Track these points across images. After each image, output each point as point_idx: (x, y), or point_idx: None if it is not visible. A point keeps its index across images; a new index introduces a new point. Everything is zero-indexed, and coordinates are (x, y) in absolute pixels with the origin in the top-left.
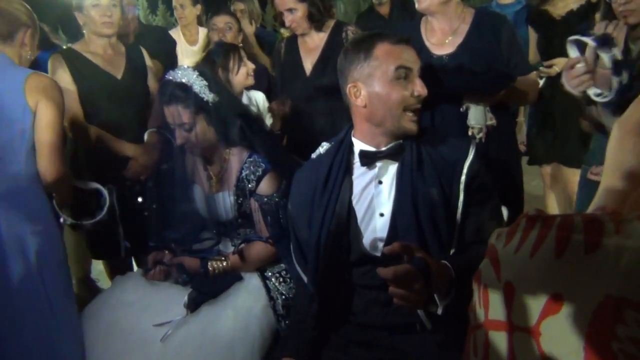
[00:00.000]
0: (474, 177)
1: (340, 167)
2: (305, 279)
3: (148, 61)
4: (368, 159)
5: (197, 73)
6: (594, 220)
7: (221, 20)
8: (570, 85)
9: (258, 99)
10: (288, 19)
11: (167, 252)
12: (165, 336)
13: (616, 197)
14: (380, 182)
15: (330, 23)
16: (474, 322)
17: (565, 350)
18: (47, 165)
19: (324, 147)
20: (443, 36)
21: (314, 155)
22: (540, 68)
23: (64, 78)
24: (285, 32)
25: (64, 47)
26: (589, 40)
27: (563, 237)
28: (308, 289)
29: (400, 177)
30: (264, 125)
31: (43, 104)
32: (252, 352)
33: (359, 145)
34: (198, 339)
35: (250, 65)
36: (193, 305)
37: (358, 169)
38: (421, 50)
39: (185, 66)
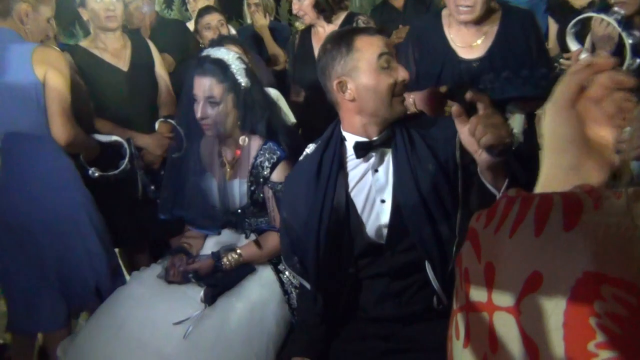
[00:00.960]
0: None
1: (333, 162)
2: (307, 284)
3: (155, 53)
4: (363, 150)
5: (237, 55)
6: (573, 197)
7: (214, 18)
8: None
9: (272, 96)
10: (295, 6)
11: (184, 256)
12: (187, 333)
13: (562, 170)
14: (376, 171)
15: (343, 14)
16: (456, 305)
17: (546, 327)
18: (59, 130)
19: (310, 148)
20: (471, 38)
21: (301, 158)
22: (560, 60)
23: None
24: (300, 25)
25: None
26: (591, 13)
27: (542, 215)
28: (308, 288)
29: (396, 160)
30: (283, 117)
31: (50, 75)
32: (267, 345)
33: (351, 139)
34: (214, 333)
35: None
36: (210, 300)
37: (352, 161)
38: (446, 53)
39: (224, 48)
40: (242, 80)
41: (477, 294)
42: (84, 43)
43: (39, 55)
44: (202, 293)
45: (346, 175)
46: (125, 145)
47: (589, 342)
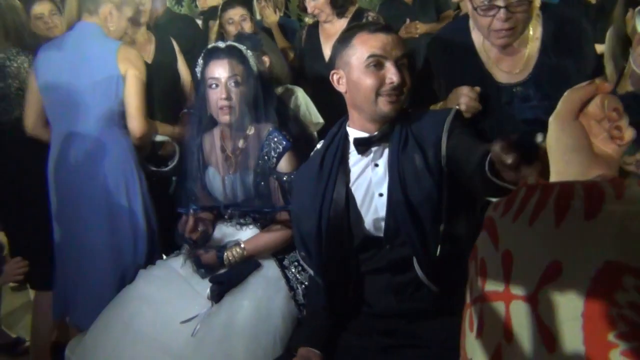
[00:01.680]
0: (455, 140)
1: (335, 156)
2: (311, 272)
3: (177, 49)
4: (362, 146)
5: (251, 52)
6: (595, 186)
7: (237, 13)
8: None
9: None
10: (311, 5)
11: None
12: (196, 331)
13: (568, 179)
14: (376, 165)
15: (352, 9)
16: (469, 298)
17: (564, 317)
18: (138, 123)
19: (320, 143)
20: (511, 62)
21: (312, 153)
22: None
23: None
24: (309, 20)
25: None
26: None
27: (563, 204)
28: (316, 281)
29: (390, 155)
30: (288, 110)
31: (132, 72)
32: (274, 341)
33: (353, 134)
34: (222, 330)
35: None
36: (217, 297)
37: (354, 156)
38: (481, 77)
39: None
40: (256, 71)
41: (494, 284)
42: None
43: (123, 53)
44: (208, 290)
45: (347, 169)
46: (177, 147)
47: (609, 333)
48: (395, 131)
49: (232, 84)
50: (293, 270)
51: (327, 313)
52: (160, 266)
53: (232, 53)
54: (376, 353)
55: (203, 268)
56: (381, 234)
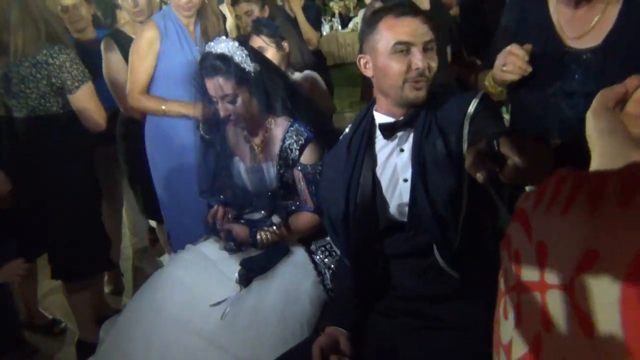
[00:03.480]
0: (476, 125)
1: (362, 140)
2: (339, 252)
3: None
4: (388, 131)
5: (237, 43)
6: (629, 173)
7: (242, 9)
8: None
9: (318, 81)
10: None
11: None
12: (225, 314)
13: (610, 160)
14: (402, 150)
15: None
16: (504, 286)
17: (601, 303)
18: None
19: (349, 127)
20: (583, 23)
21: (341, 137)
22: None
23: (116, 57)
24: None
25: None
26: None
27: (596, 192)
28: (344, 262)
29: (414, 142)
30: (304, 94)
31: None
32: (302, 325)
33: (379, 118)
34: (251, 314)
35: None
36: (245, 281)
37: (380, 140)
38: (550, 38)
39: (224, 37)
40: (249, 67)
41: (529, 274)
42: (124, 28)
43: None
44: (236, 274)
45: (374, 154)
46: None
47: None
48: (420, 116)
49: (227, 103)
50: (320, 255)
51: (354, 294)
52: (190, 250)
53: (220, 68)
54: (401, 334)
55: (233, 241)
56: (405, 219)
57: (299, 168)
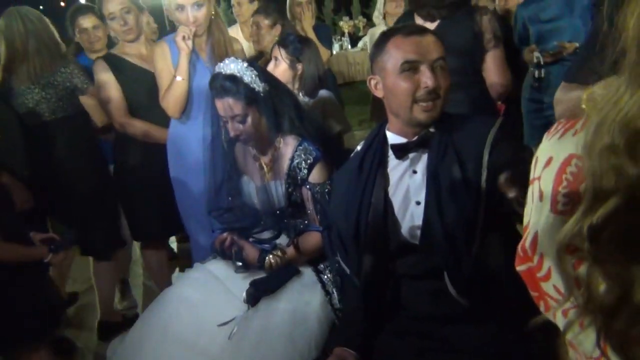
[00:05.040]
0: (497, 156)
1: (373, 159)
2: (348, 271)
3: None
4: (400, 152)
5: (246, 64)
6: None
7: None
8: None
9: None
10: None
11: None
12: (232, 334)
13: None
14: (414, 172)
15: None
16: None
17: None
18: None
19: (360, 145)
20: None
21: (352, 155)
22: None
23: (109, 79)
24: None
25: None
26: None
27: None
28: (353, 282)
29: (429, 165)
30: (313, 114)
31: None
32: (310, 345)
33: (391, 139)
34: (258, 334)
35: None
36: (253, 300)
37: (392, 160)
38: None
39: (234, 57)
40: (259, 87)
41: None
42: (115, 51)
43: None
44: (244, 294)
45: (386, 174)
46: None
47: None
48: (434, 138)
49: (237, 123)
50: (328, 274)
51: (363, 314)
52: (198, 269)
53: (230, 89)
54: (411, 355)
55: (242, 262)
56: (416, 242)
57: (308, 187)
